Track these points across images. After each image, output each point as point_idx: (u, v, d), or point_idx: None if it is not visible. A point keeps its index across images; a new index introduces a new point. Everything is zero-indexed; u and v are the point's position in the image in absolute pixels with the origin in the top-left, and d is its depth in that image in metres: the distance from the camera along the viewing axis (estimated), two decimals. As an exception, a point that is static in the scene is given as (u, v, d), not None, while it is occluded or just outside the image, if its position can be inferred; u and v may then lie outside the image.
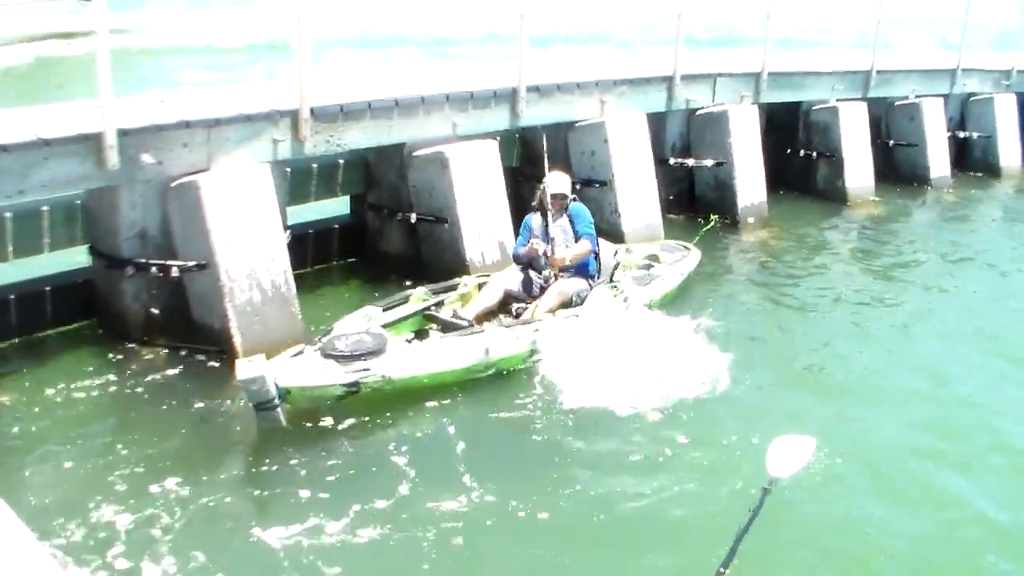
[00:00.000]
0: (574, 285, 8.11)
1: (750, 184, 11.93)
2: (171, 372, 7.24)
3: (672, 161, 11.86)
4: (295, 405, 6.53)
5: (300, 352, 6.81)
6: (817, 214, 12.84)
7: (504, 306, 8.07)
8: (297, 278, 8.00)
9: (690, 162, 11.91)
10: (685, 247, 9.66)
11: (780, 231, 11.83)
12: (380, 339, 6.92)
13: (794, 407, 7.07)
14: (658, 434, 6.56)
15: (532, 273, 8.20)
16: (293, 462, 6.15)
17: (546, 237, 8.18)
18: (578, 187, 10.39)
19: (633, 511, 5.77)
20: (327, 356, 6.71)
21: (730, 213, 11.84)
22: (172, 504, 5.58)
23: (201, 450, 6.32)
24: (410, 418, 6.75)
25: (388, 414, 6.73)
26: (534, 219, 8.36)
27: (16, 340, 7.64)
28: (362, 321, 7.42)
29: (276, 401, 6.27)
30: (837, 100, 13.32)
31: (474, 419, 6.81)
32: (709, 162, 11.79)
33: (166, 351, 7.51)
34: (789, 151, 13.58)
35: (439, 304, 8.00)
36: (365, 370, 6.69)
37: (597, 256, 8.39)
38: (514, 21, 9.62)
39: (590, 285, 8.22)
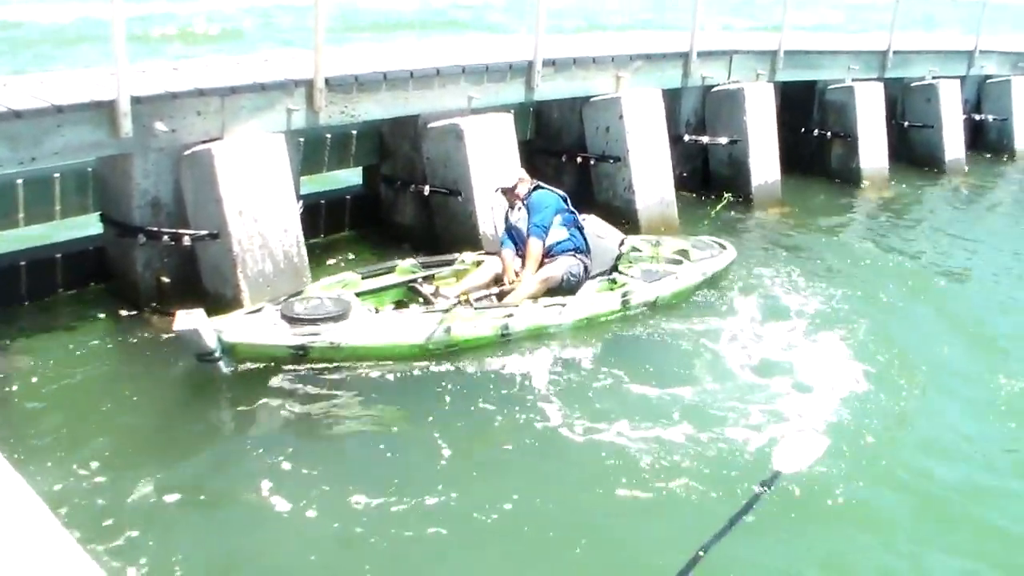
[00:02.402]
0: (560, 267, 7.85)
1: (764, 163, 11.86)
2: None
3: (686, 138, 11.77)
4: (243, 361, 6.59)
5: (259, 309, 6.85)
6: (831, 194, 12.78)
7: (498, 284, 7.84)
8: (309, 249, 7.97)
9: (704, 139, 11.82)
10: (721, 245, 9.27)
11: (793, 210, 11.76)
12: (343, 305, 6.88)
13: (805, 392, 6.94)
14: (655, 415, 6.45)
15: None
16: (290, 433, 6.15)
17: (512, 233, 8.07)
18: (592, 162, 10.41)
19: (627, 488, 5.67)
20: (283, 317, 6.73)
21: (743, 191, 11.77)
22: (168, 470, 5.59)
23: (200, 417, 6.36)
24: (403, 405, 6.61)
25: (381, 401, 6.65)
26: (508, 214, 8.24)
27: (27, 306, 7.62)
28: (336, 287, 7.36)
29: (217, 354, 6.40)
30: (853, 80, 13.22)
31: (458, 402, 6.65)
32: (723, 140, 11.70)
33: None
34: (804, 131, 13.47)
35: (428, 278, 7.84)
36: (314, 334, 6.64)
37: (582, 231, 8.12)
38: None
39: (582, 262, 7.99)
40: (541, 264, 7.86)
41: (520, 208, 8.07)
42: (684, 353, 7.57)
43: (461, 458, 5.90)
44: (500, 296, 7.70)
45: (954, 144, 14.58)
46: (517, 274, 7.86)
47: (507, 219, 8.22)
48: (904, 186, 13.47)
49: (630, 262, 8.46)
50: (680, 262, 8.65)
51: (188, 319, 6.30)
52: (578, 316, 7.61)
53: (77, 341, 7.16)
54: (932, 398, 7.12)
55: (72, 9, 23.83)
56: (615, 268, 8.37)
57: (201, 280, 7.67)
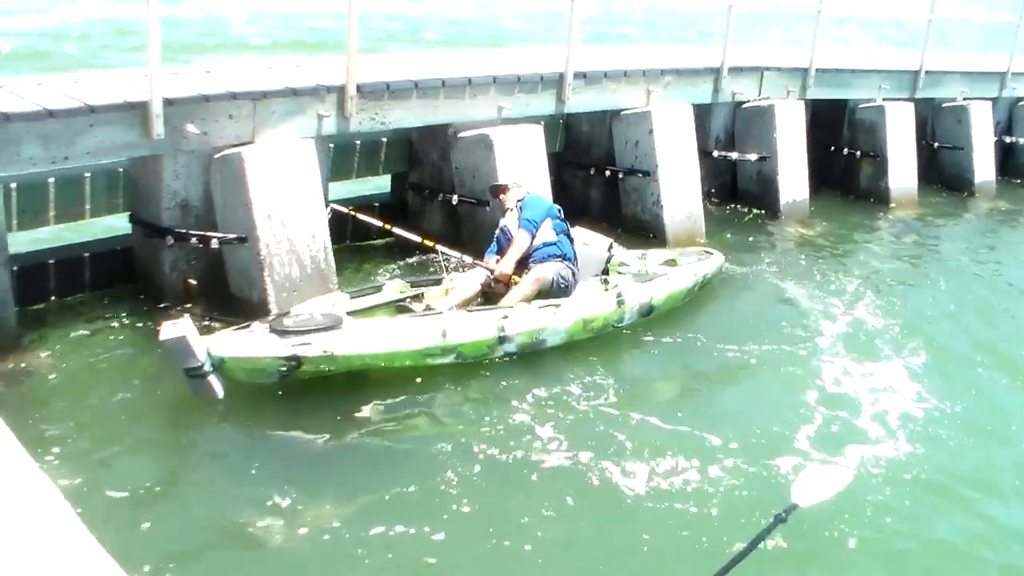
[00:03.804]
0: (550, 269, 7.69)
1: (793, 180, 11.80)
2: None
3: (715, 154, 11.71)
4: (235, 379, 6.32)
5: (246, 326, 6.62)
6: (859, 214, 12.68)
7: (488, 300, 7.70)
8: (336, 254, 7.97)
9: (734, 155, 11.77)
10: (707, 252, 9.23)
11: (821, 229, 11.67)
12: (333, 319, 6.63)
13: (830, 418, 6.80)
14: (667, 436, 6.33)
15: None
16: (306, 438, 6.11)
17: (499, 239, 8.01)
18: (620, 176, 10.39)
19: (633, 512, 5.55)
20: (273, 331, 6.47)
21: (771, 208, 11.72)
22: (185, 473, 5.71)
23: (218, 422, 6.29)
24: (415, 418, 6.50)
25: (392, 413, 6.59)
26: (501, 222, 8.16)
27: (54, 304, 7.66)
28: (326, 306, 7.08)
29: (206, 368, 6.09)
30: (884, 99, 13.14)
31: (464, 413, 6.58)
32: (753, 156, 11.65)
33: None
34: (833, 149, 13.41)
35: (417, 297, 7.61)
36: (306, 344, 6.39)
37: (571, 242, 8.01)
38: (563, 6, 9.54)
39: (570, 268, 7.84)
40: (525, 264, 7.74)
41: (512, 211, 8.03)
42: (701, 371, 7.54)
43: (466, 479, 5.76)
44: (487, 298, 7.66)
45: (984, 166, 14.46)
46: (491, 273, 7.74)
47: (499, 226, 8.14)
48: (933, 207, 13.36)
49: (620, 273, 8.38)
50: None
51: (174, 328, 6.00)
52: (574, 316, 7.47)
53: (102, 341, 7.17)
54: (966, 433, 6.83)
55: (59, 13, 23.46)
56: (605, 271, 8.29)
57: (228, 283, 7.68)
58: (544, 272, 7.66)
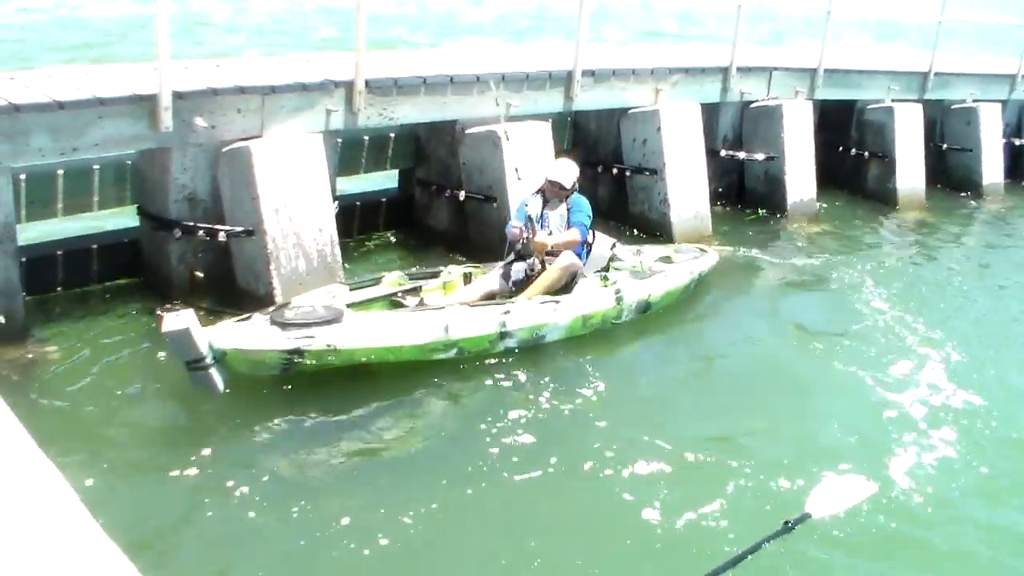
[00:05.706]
0: (578, 262, 7.71)
1: (800, 180, 11.79)
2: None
3: (723, 153, 11.69)
4: (236, 372, 6.28)
5: (247, 318, 6.56)
6: (866, 214, 12.66)
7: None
8: (342, 249, 7.99)
9: (741, 155, 11.75)
10: (702, 249, 9.25)
11: (828, 229, 11.67)
12: (335, 312, 6.59)
13: (848, 425, 6.75)
14: (679, 439, 6.28)
15: (516, 266, 7.82)
16: (309, 432, 6.14)
17: (540, 222, 7.82)
18: (628, 174, 10.38)
19: (638, 515, 5.49)
20: (274, 323, 6.41)
21: (779, 208, 11.71)
22: (190, 466, 5.63)
23: (225, 413, 6.28)
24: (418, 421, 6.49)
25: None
26: (532, 201, 7.93)
27: (61, 296, 7.68)
28: (325, 297, 7.05)
29: (207, 361, 6.03)
30: (892, 100, 13.11)
31: (465, 408, 6.62)
32: (760, 156, 11.63)
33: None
34: (841, 149, 13.37)
35: (415, 290, 7.63)
36: (309, 337, 6.35)
37: (589, 248, 8.04)
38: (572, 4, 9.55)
39: (581, 273, 7.84)
40: (551, 255, 7.68)
41: (560, 205, 7.91)
42: (707, 370, 7.63)
43: (464, 476, 5.76)
44: (527, 281, 7.64)
45: (993, 169, 14.44)
46: (528, 239, 7.65)
47: (526, 204, 7.90)
48: (940, 209, 13.31)
49: (616, 269, 8.37)
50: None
51: (177, 320, 5.91)
52: (573, 313, 7.49)
53: (108, 333, 7.20)
54: (992, 444, 6.68)
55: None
56: (606, 268, 8.29)
57: (234, 276, 7.71)
58: (575, 259, 7.68)
